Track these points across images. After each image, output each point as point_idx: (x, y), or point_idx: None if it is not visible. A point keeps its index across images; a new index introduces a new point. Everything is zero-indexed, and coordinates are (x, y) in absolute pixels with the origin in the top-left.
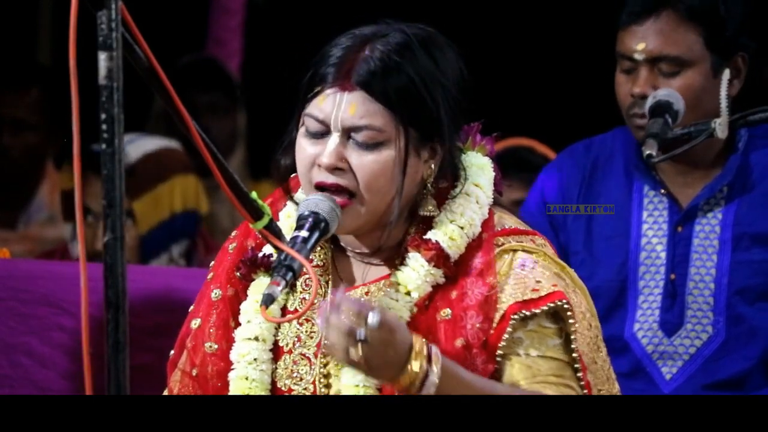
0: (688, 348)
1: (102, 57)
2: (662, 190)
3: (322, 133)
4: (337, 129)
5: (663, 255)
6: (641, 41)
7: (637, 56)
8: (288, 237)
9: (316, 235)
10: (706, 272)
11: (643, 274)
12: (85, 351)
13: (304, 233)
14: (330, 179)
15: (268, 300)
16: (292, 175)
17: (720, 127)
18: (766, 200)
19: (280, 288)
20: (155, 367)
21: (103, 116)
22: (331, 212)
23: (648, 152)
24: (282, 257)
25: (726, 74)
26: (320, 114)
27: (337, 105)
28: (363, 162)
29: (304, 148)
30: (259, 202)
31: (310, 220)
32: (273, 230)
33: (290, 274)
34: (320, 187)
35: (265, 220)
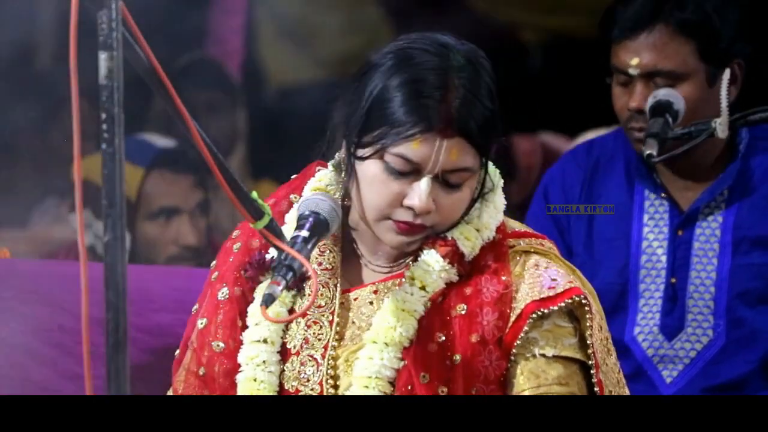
0: (688, 351)
1: (102, 57)
2: (663, 194)
3: (409, 173)
4: (433, 172)
5: (663, 258)
6: (635, 56)
7: (632, 71)
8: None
9: (316, 235)
10: (706, 276)
11: (643, 277)
12: (85, 351)
13: (304, 233)
14: (418, 221)
15: (268, 300)
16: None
17: (720, 126)
18: (766, 203)
19: (280, 288)
20: (155, 367)
21: (103, 116)
22: (331, 212)
23: (648, 152)
24: (282, 257)
25: (726, 74)
26: (415, 157)
27: (436, 150)
28: (451, 201)
29: (387, 185)
30: (260, 201)
31: (311, 219)
32: (273, 230)
33: (290, 274)
34: (402, 225)
35: (265, 220)
